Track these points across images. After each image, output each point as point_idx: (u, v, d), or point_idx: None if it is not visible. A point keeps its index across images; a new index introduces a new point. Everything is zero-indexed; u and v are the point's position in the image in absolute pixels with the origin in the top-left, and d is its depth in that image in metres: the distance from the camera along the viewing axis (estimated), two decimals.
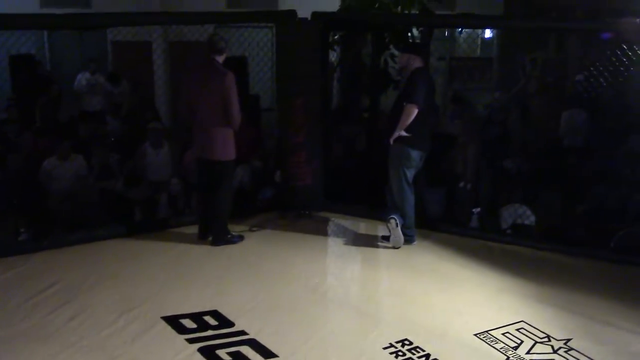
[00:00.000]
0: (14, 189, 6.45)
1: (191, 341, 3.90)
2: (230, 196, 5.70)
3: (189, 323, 4.14)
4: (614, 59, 5.83)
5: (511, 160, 6.90)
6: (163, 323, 4.12)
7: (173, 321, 4.15)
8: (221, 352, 3.78)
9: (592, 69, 6.22)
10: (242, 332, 4.02)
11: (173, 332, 4.02)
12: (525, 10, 10.73)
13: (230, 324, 4.14)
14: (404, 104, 5.38)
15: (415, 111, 5.32)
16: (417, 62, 5.52)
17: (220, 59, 5.44)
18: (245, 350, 3.82)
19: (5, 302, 4.43)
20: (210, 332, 4.03)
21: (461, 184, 6.72)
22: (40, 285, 4.67)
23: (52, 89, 9.29)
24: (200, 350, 3.79)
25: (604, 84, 6.18)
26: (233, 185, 5.89)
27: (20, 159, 7.03)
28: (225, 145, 5.43)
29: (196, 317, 4.22)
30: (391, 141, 5.46)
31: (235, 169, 5.79)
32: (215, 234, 5.60)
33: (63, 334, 3.99)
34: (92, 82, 9.91)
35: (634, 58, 5.69)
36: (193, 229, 5.84)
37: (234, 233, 5.71)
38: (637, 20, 5.14)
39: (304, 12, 6.37)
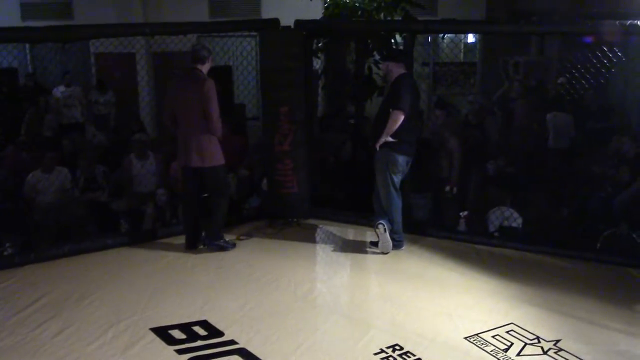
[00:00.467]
0: None
1: (181, 352, 3.87)
2: (227, 201, 5.72)
3: (178, 334, 4.11)
4: (595, 61, 5.90)
5: (493, 162, 6.95)
6: (152, 334, 4.09)
7: (162, 332, 4.12)
8: None
9: (574, 71, 6.28)
10: (232, 342, 4.00)
11: (162, 344, 3.99)
12: (507, 14, 10.83)
13: (220, 334, 4.11)
14: (390, 110, 5.40)
15: (402, 117, 5.34)
16: (400, 69, 5.55)
17: (203, 67, 5.45)
18: (236, 359, 3.79)
19: None
20: (199, 343, 4.00)
21: (447, 189, 6.74)
22: (27, 299, 4.62)
23: (39, 102, 9.27)
24: None
25: (586, 86, 6.24)
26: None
27: (5, 173, 6.97)
28: (212, 151, 5.44)
29: (185, 327, 4.19)
30: (377, 147, 5.48)
31: (228, 173, 5.79)
32: (209, 235, 5.61)
33: (50, 348, 3.94)
34: (65, 94, 9.89)
35: (615, 60, 5.76)
36: (180, 240, 5.82)
37: (227, 240, 5.72)
38: (617, 22, 5.19)
39: (287, 21, 6.38)
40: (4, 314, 4.41)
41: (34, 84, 10.58)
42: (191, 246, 5.66)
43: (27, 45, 11.52)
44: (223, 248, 5.62)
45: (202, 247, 5.67)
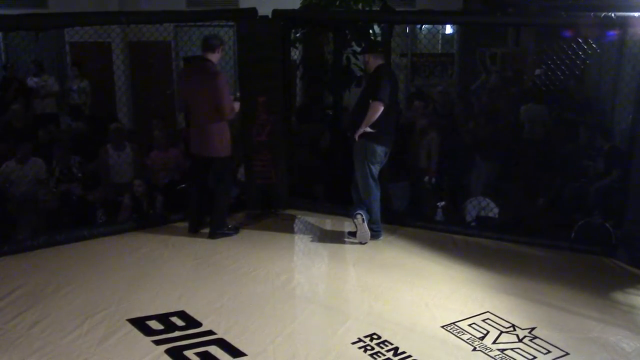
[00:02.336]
0: None
1: (158, 343, 3.86)
2: (230, 190, 5.93)
3: (155, 324, 4.09)
4: (570, 53, 5.96)
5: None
6: (129, 325, 4.07)
7: (139, 323, 4.10)
8: (189, 353, 3.75)
9: (549, 62, 6.34)
10: (210, 332, 4.00)
11: (139, 335, 3.97)
12: (484, 6, 10.89)
13: (198, 324, 4.10)
14: (370, 100, 5.41)
15: (381, 108, 5.36)
16: (378, 60, 5.56)
17: (213, 57, 5.60)
18: (214, 350, 3.79)
19: None
20: (177, 333, 3.99)
21: (426, 179, 6.78)
22: (1, 291, 4.57)
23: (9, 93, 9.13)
24: (168, 351, 3.76)
25: (562, 77, 6.30)
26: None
27: None
28: (221, 143, 5.61)
29: (163, 318, 4.18)
30: (356, 137, 5.49)
31: (234, 163, 5.98)
32: (215, 226, 5.75)
33: (26, 340, 3.90)
34: (39, 84, 9.75)
35: (589, 51, 5.83)
36: (157, 231, 5.82)
37: (229, 226, 5.85)
38: (592, 14, 5.25)
39: (265, 10, 6.35)
40: None
41: (12, 76, 10.40)
42: (195, 230, 5.83)
43: (0, 35, 11.32)
44: (226, 235, 5.76)
45: (205, 231, 5.78)
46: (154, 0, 9.38)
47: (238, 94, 5.92)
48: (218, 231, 5.73)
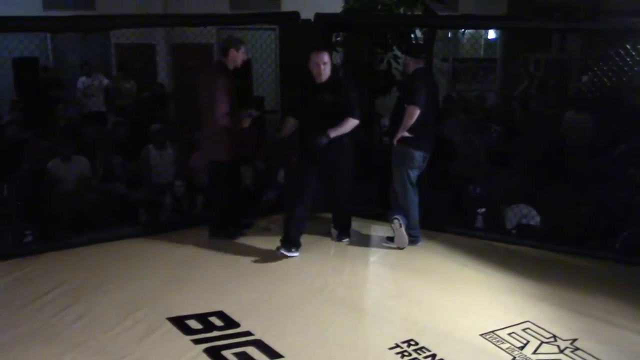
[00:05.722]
0: (19, 191, 6.46)
1: (197, 342, 3.90)
2: (221, 196, 5.74)
3: (194, 324, 4.14)
4: (617, 59, 5.82)
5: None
6: (169, 324, 4.12)
7: (179, 322, 4.15)
8: (227, 353, 3.78)
9: (595, 69, 6.21)
10: (248, 333, 4.02)
11: (179, 333, 4.02)
12: (529, 10, 10.73)
13: (236, 325, 4.13)
14: (406, 105, 5.39)
15: (417, 112, 5.32)
16: (417, 64, 5.52)
17: (227, 59, 5.50)
18: (251, 351, 3.81)
19: (10, 303, 4.44)
20: (216, 333, 4.03)
21: (471, 188, 6.70)
22: (45, 286, 4.68)
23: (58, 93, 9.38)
24: (206, 351, 3.80)
25: (608, 84, 6.16)
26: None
27: (31, 161, 7.04)
28: (212, 146, 5.56)
29: (202, 317, 4.22)
30: (394, 142, 5.47)
31: (224, 170, 5.68)
32: (210, 227, 5.83)
33: (68, 335, 3.99)
34: (87, 84, 9.98)
35: (638, 58, 5.69)
36: (197, 231, 5.88)
37: (230, 230, 5.83)
38: None
39: (307, 14, 6.37)
40: (23, 300, 4.47)
41: (50, 77, 10.67)
42: (233, 235, 5.83)
43: (49, 35, 11.62)
44: (222, 237, 5.75)
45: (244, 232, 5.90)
46: (198, 3, 9.51)
47: (254, 111, 5.59)
48: (215, 232, 5.79)
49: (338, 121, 5.25)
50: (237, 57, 5.51)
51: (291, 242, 5.37)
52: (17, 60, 9.88)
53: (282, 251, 5.31)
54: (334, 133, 5.22)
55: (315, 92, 5.29)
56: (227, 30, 9.37)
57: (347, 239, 5.79)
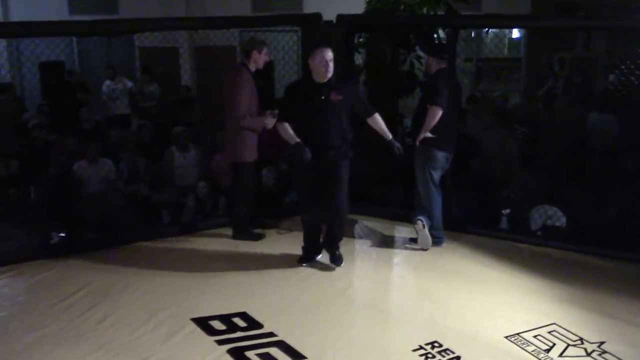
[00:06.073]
0: (45, 193, 6.54)
1: (220, 342, 3.92)
2: (247, 197, 5.79)
3: (218, 325, 4.16)
4: None
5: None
6: (192, 325, 4.15)
7: (202, 323, 4.17)
8: (250, 354, 3.79)
9: (622, 67, 6.10)
10: (271, 334, 4.03)
11: (202, 334, 4.04)
12: (553, 8, 10.60)
13: (259, 326, 4.14)
14: (427, 105, 5.36)
15: (440, 112, 5.29)
16: (440, 64, 5.49)
17: (249, 61, 5.52)
18: (274, 351, 3.82)
19: (36, 304, 4.50)
20: (239, 334, 4.04)
21: (506, 194, 6.62)
22: (71, 287, 4.74)
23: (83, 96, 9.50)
24: (230, 351, 3.81)
25: (636, 83, 6.06)
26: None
27: (57, 164, 7.13)
28: (237, 147, 5.59)
29: (225, 318, 4.24)
30: (417, 142, 5.44)
31: (247, 172, 5.73)
32: (234, 229, 5.85)
33: (93, 335, 4.03)
34: (111, 87, 10.09)
35: None
36: (221, 232, 5.92)
37: (254, 231, 5.86)
38: None
39: (329, 15, 6.37)
40: (49, 301, 4.52)
41: (76, 81, 10.80)
42: (238, 236, 5.85)
43: (74, 39, 11.78)
44: (245, 239, 5.77)
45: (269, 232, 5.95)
46: (220, 5, 9.57)
47: (276, 110, 5.29)
48: (238, 233, 5.82)
49: (344, 121, 4.92)
50: (260, 58, 5.53)
51: (310, 252, 5.31)
52: (44, 65, 10.01)
53: (305, 265, 5.22)
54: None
55: (318, 91, 4.85)
56: (250, 33, 9.41)
57: (342, 262, 5.21)
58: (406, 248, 5.66)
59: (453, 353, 3.82)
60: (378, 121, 5.12)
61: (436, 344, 3.91)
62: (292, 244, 5.71)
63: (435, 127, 5.32)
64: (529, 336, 4.05)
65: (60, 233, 5.97)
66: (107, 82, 10.23)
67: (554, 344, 3.96)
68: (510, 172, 6.68)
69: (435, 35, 7.23)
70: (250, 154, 5.59)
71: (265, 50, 5.57)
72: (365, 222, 6.34)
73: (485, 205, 6.52)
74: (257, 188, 5.95)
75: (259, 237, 5.82)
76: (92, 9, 11.54)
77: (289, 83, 4.89)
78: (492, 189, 6.62)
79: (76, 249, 5.52)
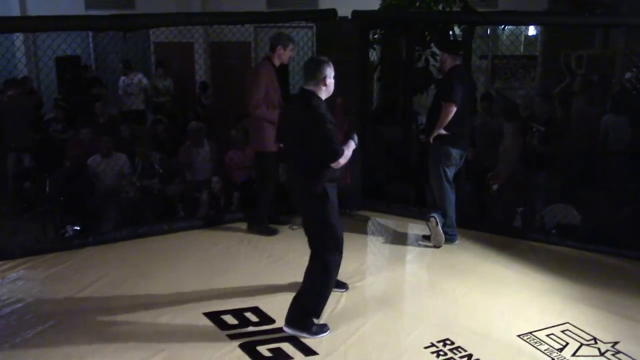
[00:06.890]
0: (61, 186, 6.60)
1: (232, 337, 3.93)
2: (267, 187, 5.85)
3: (230, 319, 4.17)
4: None
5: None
6: (205, 319, 4.16)
7: (215, 317, 4.19)
8: (262, 349, 3.80)
9: None
10: (283, 329, 4.03)
11: (215, 328, 4.05)
12: (570, 5, 10.50)
13: (271, 321, 4.15)
14: (442, 102, 5.34)
15: (454, 109, 5.27)
16: (454, 61, 5.46)
17: (274, 56, 5.63)
18: (286, 347, 3.83)
19: (51, 296, 4.53)
20: (251, 329, 4.06)
21: (494, 186, 6.61)
22: (85, 280, 4.77)
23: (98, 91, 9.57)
24: (242, 346, 3.82)
25: None
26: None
27: (72, 157, 7.18)
28: (256, 137, 5.74)
29: (237, 313, 4.25)
30: (431, 140, 5.43)
31: (269, 161, 5.76)
32: (251, 220, 5.94)
33: (107, 327, 4.06)
34: (127, 82, 10.15)
35: None
36: (235, 226, 5.95)
37: (269, 226, 5.89)
38: None
39: (344, 11, 6.36)
40: (65, 293, 4.56)
41: (91, 75, 10.88)
42: (252, 229, 5.92)
43: (90, 35, 11.86)
44: (260, 232, 5.81)
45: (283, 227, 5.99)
46: (235, 1, 9.57)
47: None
48: (254, 225, 5.88)
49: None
50: (284, 54, 5.64)
51: None
52: (60, 59, 10.09)
53: None
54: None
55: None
56: (264, 28, 9.43)
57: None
58: (419, 245, 5.65)
59: (465, 351, 3.81)
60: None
61: (448, 342, 3.90)
62: (304, 239, 5.70)
63: (449, 124, 5.30)
64: (542, 335, 4.03)
65: (74, 226, 6.03)
66: (123, 78, 10.31)
67: (567, 343, 3.94)
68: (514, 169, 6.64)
69: (450, 32, 7.20)
70: (271, 143, 5.61)
71: (290, 46, 5.66)
72: (378, 219, 6.33)
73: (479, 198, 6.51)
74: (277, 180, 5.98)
75: (272, 233, 5.85)
76: (108, 4, 11.60)
77: (323, 110, 4.09)
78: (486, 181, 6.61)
79: (91, 242, 5.55)
